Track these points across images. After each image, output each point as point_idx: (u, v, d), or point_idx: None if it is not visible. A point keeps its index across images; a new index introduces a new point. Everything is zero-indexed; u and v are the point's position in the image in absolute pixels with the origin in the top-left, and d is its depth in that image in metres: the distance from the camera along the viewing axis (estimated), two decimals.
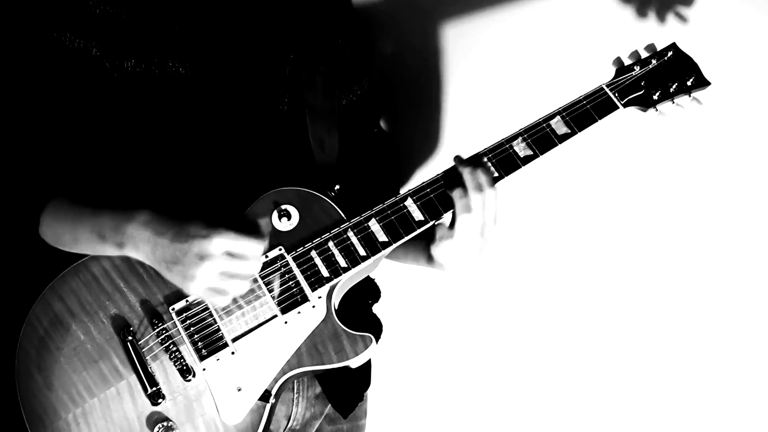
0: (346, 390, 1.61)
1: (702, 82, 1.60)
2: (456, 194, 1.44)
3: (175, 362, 1.42)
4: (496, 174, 1.49)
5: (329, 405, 1.62)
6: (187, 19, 1.51)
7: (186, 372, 1.42)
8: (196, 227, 1.33)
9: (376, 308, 1.75)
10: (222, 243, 1.31)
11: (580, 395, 2.03)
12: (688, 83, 1.60)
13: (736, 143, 1.77)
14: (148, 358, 1.42)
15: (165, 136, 1.51)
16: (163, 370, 1.42)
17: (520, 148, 1.52)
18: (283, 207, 1.49)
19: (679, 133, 1.77)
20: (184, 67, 1.51)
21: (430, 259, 1.55)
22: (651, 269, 1.89)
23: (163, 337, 1.43)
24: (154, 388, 1.41)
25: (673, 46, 1.62)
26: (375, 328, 1.72)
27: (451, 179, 1.48)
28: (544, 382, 2.06)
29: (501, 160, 1.50)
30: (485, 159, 1.49)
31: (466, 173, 1.44)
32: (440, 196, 1.50)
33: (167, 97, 1.50)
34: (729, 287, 1.82)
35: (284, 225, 1.49)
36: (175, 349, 1.42)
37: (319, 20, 1.66)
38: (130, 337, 1.43)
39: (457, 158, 1.49)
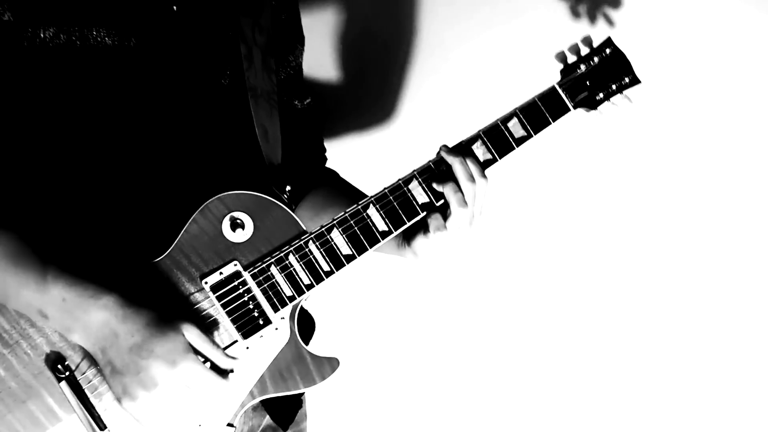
0: (284, 399, 1.51)
1: (635, 80, 1.62)
2: (448, 189, 1.37)
3: None
4: (489, 157, 1.43)
5: (267, 416, 1.51)
6: None
7: None
8: (162, 346, 1.18)
9: (306, 304, 1.65)
10: (186, 375, 1.20)
11: (553, 401, 2.04)
12: (625, 81, 1.61)
13: (735, 142, 1.78)
14: (91, 396, 1.23)
15: (91, 123, 1.27)
16: (111, 409, 1.24)
17: (516, 129, 1.46)
18: (236, 215, 1.32)
19: (679, 132, 1.75)
20: (111, 37, 1.26)
21: (401, 247, 1.46)
22: (641, 267, 1.89)
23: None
24: None
25: (609, 42, 1.61)
26: (307, 323, 1.62)
27: (435, 174, 1.39)
28: (477, 368, 2.05)
29: (496, 142, 1.43)
30: (476, 144, 1.42)
31: (456, 165, 1.37)
32: (403, 203, 1.40)
33: (91, 75, 1.26)
34: (725, 285, 1.84)
35: (238, 236, 1.32)
36: None
37: None
38: (66, 373, 1.22)
39: (444, 148, 1.40)
